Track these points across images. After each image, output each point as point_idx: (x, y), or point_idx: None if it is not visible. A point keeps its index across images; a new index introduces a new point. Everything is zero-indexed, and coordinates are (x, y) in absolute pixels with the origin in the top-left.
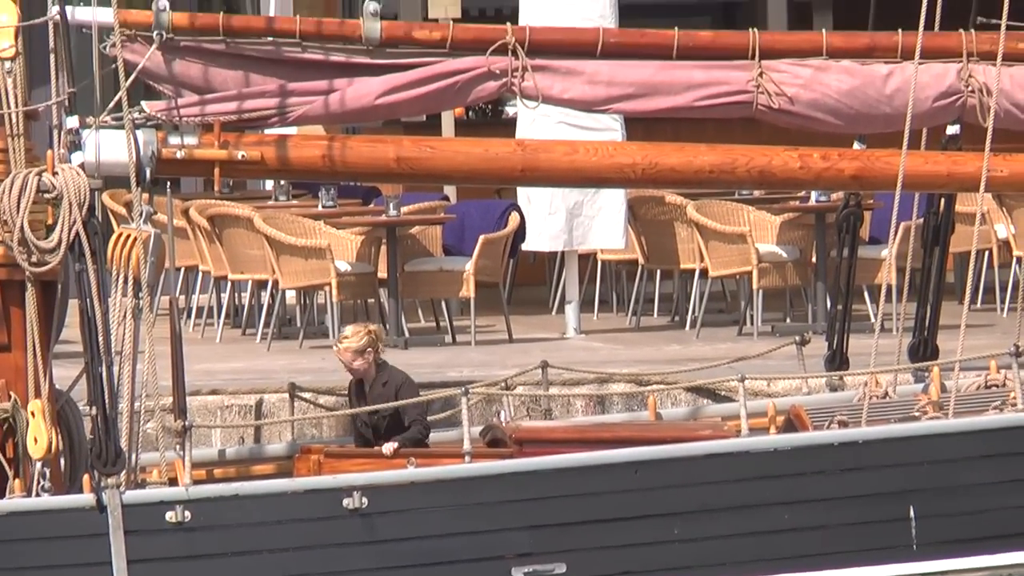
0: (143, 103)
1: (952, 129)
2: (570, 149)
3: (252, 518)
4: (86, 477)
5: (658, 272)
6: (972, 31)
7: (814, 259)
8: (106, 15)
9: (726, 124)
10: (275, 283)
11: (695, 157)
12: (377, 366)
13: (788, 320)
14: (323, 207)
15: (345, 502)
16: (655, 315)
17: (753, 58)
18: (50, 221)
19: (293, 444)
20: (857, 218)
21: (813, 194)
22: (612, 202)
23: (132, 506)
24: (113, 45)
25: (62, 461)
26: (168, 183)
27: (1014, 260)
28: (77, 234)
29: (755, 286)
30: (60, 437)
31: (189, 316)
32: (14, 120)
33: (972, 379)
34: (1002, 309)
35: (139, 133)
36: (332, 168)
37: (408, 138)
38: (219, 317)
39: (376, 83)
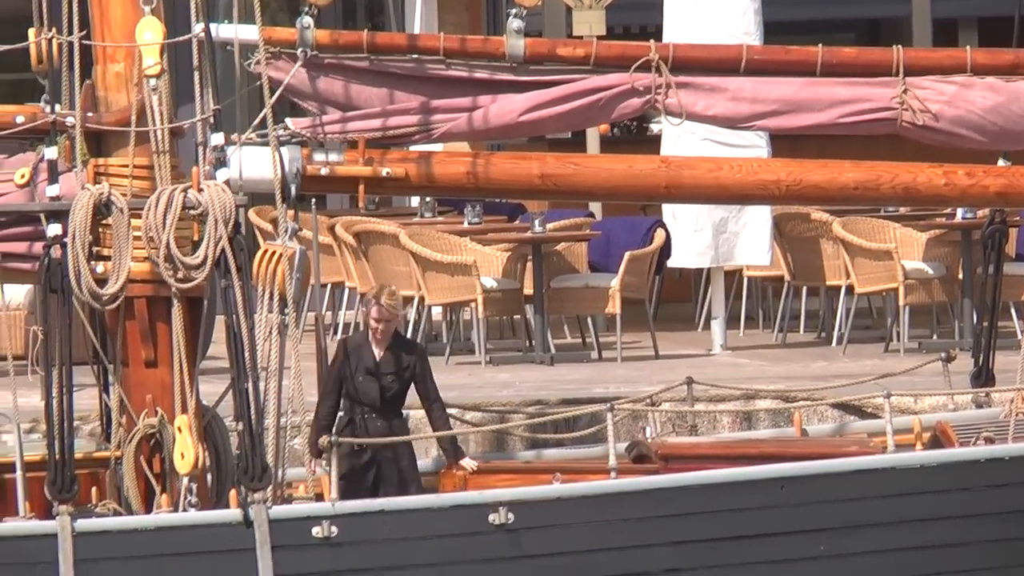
0: (288, 120)
1: None
2: (714, 166)
3: (398, 534)
4: (233, 492)
5: (804, 288)
6: None
7: (960, 276)
8: (250, 32)
9: (871, 140)
10: (421, 299)
11: (839, 174)
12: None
13: (934, 337)
14: (469, 223)
15: (491, 518)
16: (801, 331)
17: (897, 75)
18: (196, 237)
19: (439, 460)
20: (1003, 235)
21: (959, 211)
22: (758, 219)
23: (279, 521)
24: (258, 62)
25: (209, 477)
26: (313, 200)
27: None
28: (223, 250)
29: (901, 303)
30: (207, 452)
31: (335, 332)
32: (160, 137)
33: None
34: None
35: (284, 150)
36: (477, 185)
37: (552, 155)
38: None
39: (520, 100)
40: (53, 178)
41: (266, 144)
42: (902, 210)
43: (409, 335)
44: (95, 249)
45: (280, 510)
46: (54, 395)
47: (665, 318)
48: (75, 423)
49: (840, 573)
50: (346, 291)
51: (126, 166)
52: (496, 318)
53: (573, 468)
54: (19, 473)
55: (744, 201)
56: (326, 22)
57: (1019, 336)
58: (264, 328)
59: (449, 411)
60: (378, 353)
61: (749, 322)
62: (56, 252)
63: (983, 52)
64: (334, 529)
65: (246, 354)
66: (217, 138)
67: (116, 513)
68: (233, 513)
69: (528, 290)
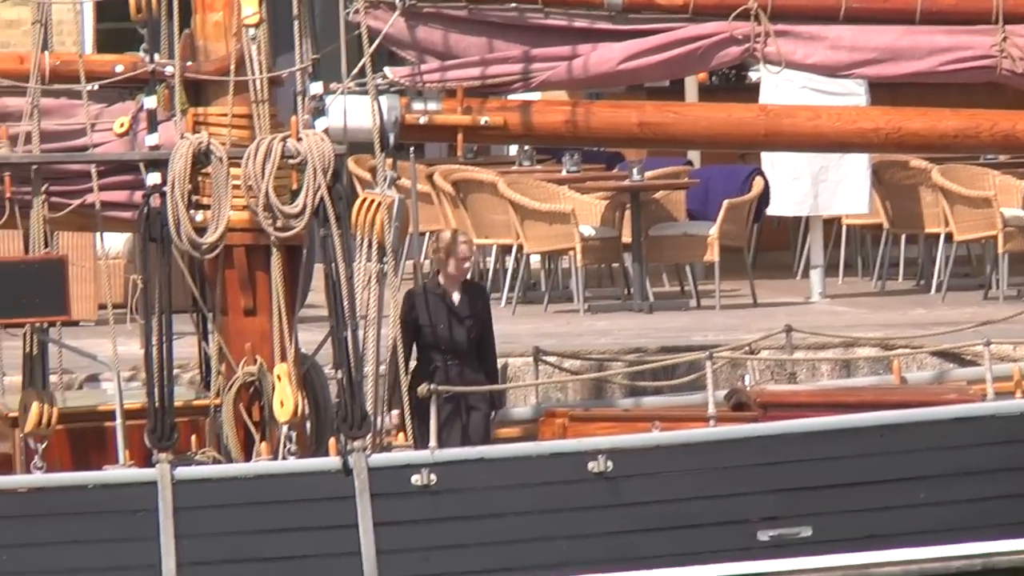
0: (387, 69)
1: None
2: (813, 114)
3: (497, 481)
4: (332, 440)
5: (903, 236)
6: None
7: None
8: None
9: (970, 88)
10: (519, 248)
11: (939, 122)
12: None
13: None
14: (567, 172)
15: (590, 465)
16: (900, 279)
17: (997, 22)
18: (295, 186)
19: (538, 407)
20: None
21: None
22: (857, 167)
23: (378, 469)
24: (357, 11)
25: (308, 425)
26: (412, 148)
27: None
28: (322, 199)
29: (1000, 250)
30: (306, 401)
31: None
32: (259, 86)
33: None
34: None
35: (383, 99)
36: (575, 133)
37: (651, 103)
38: None
39: (619, 48)
40: (152, 127)
41: (365, 93)
42: (1001, 158)
43: (507, 283)
44: (194, 198)
45: (379, 458)
46: (154, 343)
47: (763, 266)
48: (175, 371)
49: (939, 521)
50: None
51: (225, 115)
52: (594, 266)
53: (672, 416)
54: (119, 421)
55: (843, 149)
56: None
57: None
58: (363, 276)
59: (548, 359)
60: (456, 298)
61: (848, 270)
62: (155, 201)
63: None
64: (433, 477)
65: (345, 302)
66: (316, 87)
67: (215, 461)
68: (332, 461)
69: (626, 238)
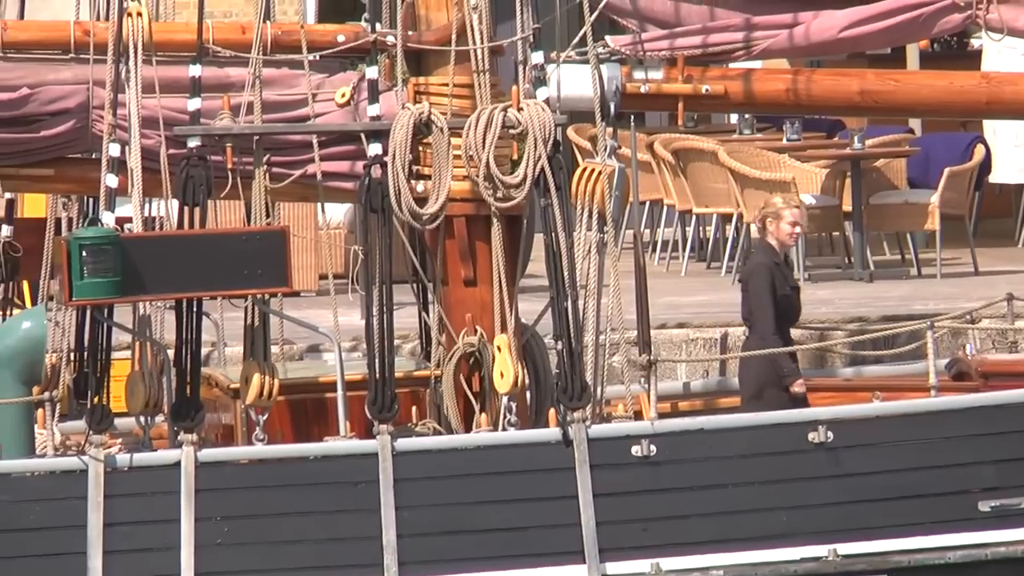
0: (607, 38)
1: None
2: None
3: (717, 452)
4: (552, 411)
5: None
6: None
7: None
8: None
9: None
10: (740, 216)
11: None
12: None
13: None
14: (788, 140)
15: (810, 436)
16: None
17: None
18: (515, 156)
19: None
20: None
21: None
22: None
23: (598, 440)
24: None
25: (528, 395)
26: (632, 117)
27: None
28: (542, 169)
29: None
30: (526, 371)
31: (654, 250)
32: (480, 56)
33: None
34: None
35: (604, 68)
36: (796, 102)
37: (872, 71)
38: (684, 251)
39: (840, 16)
40: (374, 97)
41: (586, 62)
42: None
43: (728, 252)
44: (415, 168)
45: (599, 429)
46: (375, 314)
47: (985, 234)
48: (395, 342)
49: None
50: (664, 208)
51: (446, 85)
52: (815, 235)
53: (892, 386)
54: (340, 392)
55: None
56: None
57: None
58: (583, 246)
59: None
60: (783, 261)
61: None
62: (376, 171)
63: None
64: (653, 448)
65: (565, 272)
66: (537, 56)
67: (436, 432)
68: (552, 432)
69: (847, 206)
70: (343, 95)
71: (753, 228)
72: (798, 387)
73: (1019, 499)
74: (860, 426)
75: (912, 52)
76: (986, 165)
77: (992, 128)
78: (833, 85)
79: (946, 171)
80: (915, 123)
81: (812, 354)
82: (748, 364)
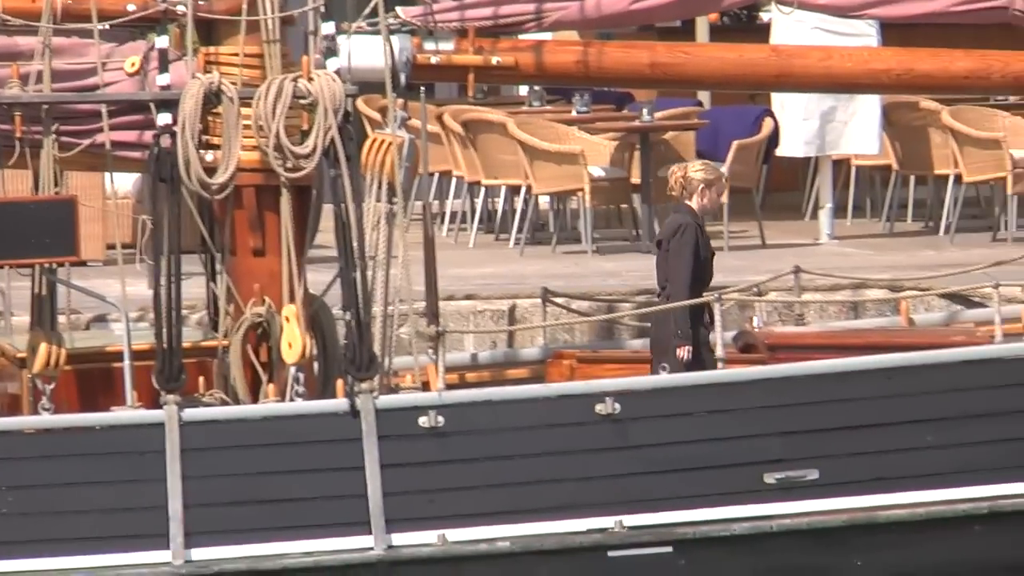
0: (398, 9)
1: None
2: (824, 55)
3: (504, 423)
4: (339, 382)
5: (912, 178)
6: None
7: None
8: None
9: (982, 29)
10: (528, 188)
11: (950, 63)
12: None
13: None
14: (577, 112)
15: (597, 408)
16: (909, 220)
17: None
18: (305, 127)
19: (546, 349)
20: None
21: None
22: (867, 107)
23: (385, 411)
24: None
25: (316, 366)
26: (423, 88)
27: None
28: (332, 140)
29: (1009, 191)
30: (313, 342)
31: (443, 221)
32: (271, 26)
33: None
34: None
35: (394, 39)
36: (586, 74)
37: (662, 44)
38: (473, 222)
39: None
40: (163, 67)
41: (377, 33)
42: (1011, 99)
43: (515, 225)
44: (204, 138)
45: (387, 400)
46: (162, 284)
47: (772, 207)
48: (183, 312)
49: (947, 464)
50: (453, 180)
51: (236, 55)
52: (603, 207)
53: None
54: (127, 362)
55: (854, 90)
56: None
57: None
58: (372, 217)
59: (557, 300)
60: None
61: (856, 211)
62: (166, 141)
63: None
64: (440, 419)
65: (354, 243)
66: (328, 27)
67: (223, 403)
68: (340, 403)
69: (635, 179)
70: (133, 64)
71: (543, 200)
72: (681, 351)
73: (804, 471)
74: (647, 398)
75: (702, 25)
76: (774, 138)
77: (780, 101)
78: (623, 57)
79: (734, 144)
80: (704, 96)
81: (600, 326)
82: (662, 324)
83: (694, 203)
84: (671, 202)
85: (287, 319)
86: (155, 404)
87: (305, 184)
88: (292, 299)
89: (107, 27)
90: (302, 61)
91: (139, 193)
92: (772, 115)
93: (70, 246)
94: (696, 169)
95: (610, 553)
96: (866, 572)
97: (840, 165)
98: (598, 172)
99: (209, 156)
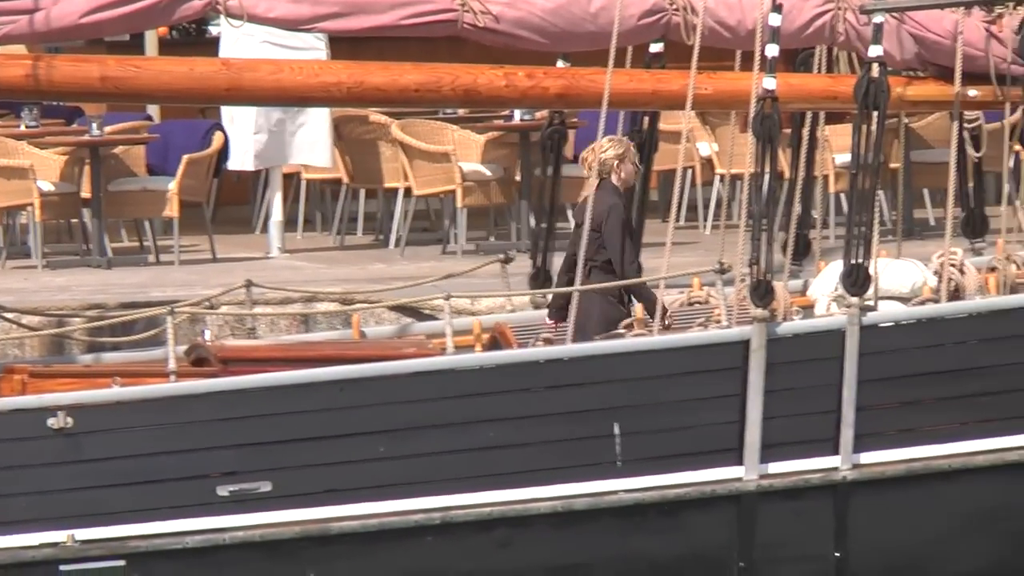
0: None
1: (656, 47)
2: (275, 68)
3: None
4: None
5: (362, 191)
6: None
7: (518, 177)
8: None
9: (432, 43)
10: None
11: (401, 76)
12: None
13: (492, 239)
14: (26, 127)
15: (50, 422)
16: (359, 234)
17: None
18: None
19: None
20: (562, 136)
21: (517, 112)
22: (315, 120)
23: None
24: None
25: None
26: None
27: (716, 177)
28: None
29: (459, 205)
30: None
31: None
32: None
33: (676, 296)
34: (705, 226)
35: None
36: (37, 87)
37: (113, 57)
38: None
39: (81, 2)
40: None
41: None
42: (461, 112)
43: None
44: None
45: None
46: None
47: (223, 221)
48: None
49: (400, 475)
50: None
51: None
52: (53, 222)
53: (132, 372)
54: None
55: (306, 103)
56: None
57: None
58: None
59: (7, 315)
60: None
61: (307, 225)
62: None
63: None
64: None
65: None
66: None
67: None
68: None
69: (86, 193)
70: None
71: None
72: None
73: (257, 483)
74: (100, 411)
75: (151, 39)
76: (224, 152)
77: (230, 116)
78: (73, 71)
79: (185, 158)
80: (153, 110)
81: (50, 340)
82: (592, 302)
83: (614, 179)
84: (123, 217)
85: None
86: None
87: None
88: None
89: None
90: None
91: None
92: (222, 129)
93: None
94: (604, 149)
95: (62, 567)
96: None
97: (290, 179)
98: (47, 187)
99: None
